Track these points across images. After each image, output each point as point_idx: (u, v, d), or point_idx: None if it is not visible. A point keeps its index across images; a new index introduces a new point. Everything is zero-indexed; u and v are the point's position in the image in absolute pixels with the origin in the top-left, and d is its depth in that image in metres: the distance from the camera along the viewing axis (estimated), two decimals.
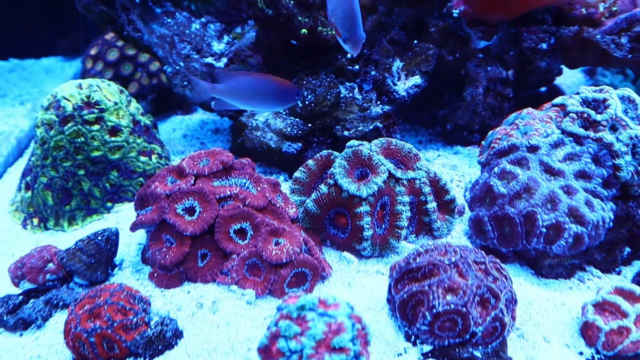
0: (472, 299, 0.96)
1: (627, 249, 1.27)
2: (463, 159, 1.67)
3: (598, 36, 1.53)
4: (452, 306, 0.95)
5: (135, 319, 0.96)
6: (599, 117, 1.20)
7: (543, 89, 1.93)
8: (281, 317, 0.87)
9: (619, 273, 1.26)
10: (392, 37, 1.60)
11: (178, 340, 0.99)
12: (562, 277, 1.23)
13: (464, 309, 0.94)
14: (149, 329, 0.97)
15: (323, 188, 1.21)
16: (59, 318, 1.08)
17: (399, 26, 1.64)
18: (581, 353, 1.03)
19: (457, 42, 1.64)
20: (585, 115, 1.22)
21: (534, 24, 1.66)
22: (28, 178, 1.52)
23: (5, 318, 1.07)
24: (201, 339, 0.98)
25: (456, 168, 1.61)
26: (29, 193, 1.50)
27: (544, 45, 1.64)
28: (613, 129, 1.20)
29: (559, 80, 1.95)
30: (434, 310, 0.95)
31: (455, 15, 1.54)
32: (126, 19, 1.52)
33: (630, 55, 1.50)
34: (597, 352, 1.02)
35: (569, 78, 2.34)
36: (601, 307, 1.05)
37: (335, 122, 1.52)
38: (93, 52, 2.02)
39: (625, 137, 1.18)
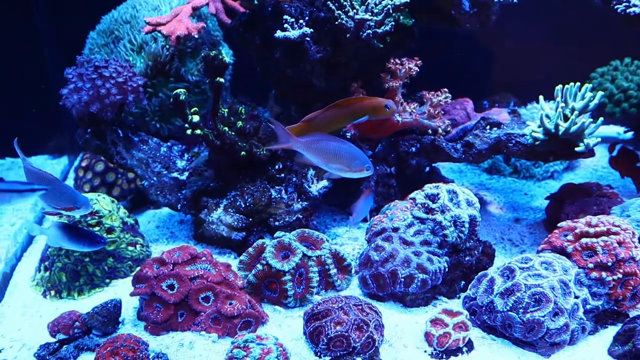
0: (351, 327, 1.58)
1: (463, 282, 1.92)
2: (363, 232, 2.33)
3: (444, 143, 2.26)
4: (339, 332, 1.57)
5: (141, 355, 1.54)
6: (434, 206, 1.89)
7: (427, 169, 2.62)
8: (234, 347, 1.49)
9: (458, 298, 1.90)
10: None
11: None
12: (422, 305, 1.84)
13: (346, 333, 1.56)
14: None
15: (259, 266, 1.84)
16: (84, 357, 1.63)
17: None
18: (425, 351, 1.64)
19: None
20: (426, 205, 1.90)
21: (407, 134, 2.37)
22: (46, 263, 2.06)
23: (47, 358, 1.63)
24: None
25: (357, 240, 2.27)
26: (47, 273, 2.04)
27: (413, 149, 2.35)
28: (442, 212, 1.88)
29: None
30: (328, 336, 1.56)
31: (348, 136, 2.24)
32: (115, 150, 2.14)
33: (463, 156, 2.23)
34: (434, 349, 1.64)
35: None
36: (435, 322, 1.66)
37: (268, 216, 2.15)
38: (84, 164, 2.59)
39: (449, 216, 1.86)
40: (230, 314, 1.70)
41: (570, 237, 1.79)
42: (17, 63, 3.01)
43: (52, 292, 2.03)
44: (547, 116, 1.99)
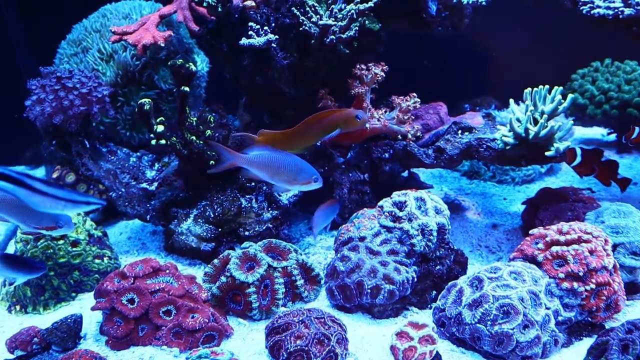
0: (312, 341, 1.53)
1: (434, 292, 1.87)
2: None
3: (415, 149, 2.22)
4: (299, 347, 1.52)
5: None
6: (401, 214, 1.85)
7: (405, 174, 2.58)
8: None
9: (430, 309, 1.84)
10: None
11: None
12: (392, 317, 1.79)
13: (307, 348, 1.52)
14: None
15: (223, 278, 1.80)
16: None
17: None
18: None
19: (325, 159, 2.29)
20: (393, 213, 1.86)
21: (380, 140, 2.33)
22: None
23: None
24: None
25: (330, 249, 2.23)
26: (12, 288, 2.01)
27: (386, 155, 2.31)
28: (409, 220, 1.84)
29: None
30: (288, 350, 1.52)
31: (318, 144, 2.20)
32: (80, 162, 2.11)
33: (435, 161, 2.19)
34: None
35: None
36: (400, 335, 1.61)
37: (238, 225, 2.11)
38: (55, 175, 2.56)
39: (416, 225, 1.82)
40: (192, 328, 1.66)
41: (540, 245, 1.74)
42: None
43: (17, 307, 2.00)
44: (518, 120, 1.95)
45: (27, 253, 1.97)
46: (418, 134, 2.20)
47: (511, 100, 2.05)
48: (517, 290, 1.59)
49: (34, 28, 3.05)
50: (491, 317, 1.56)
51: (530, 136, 1.90)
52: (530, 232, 1.81)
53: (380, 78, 2.06)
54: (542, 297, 1.61)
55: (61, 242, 1.99)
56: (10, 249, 2.41)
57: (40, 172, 3.10)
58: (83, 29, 2.55)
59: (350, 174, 2.31)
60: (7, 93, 2.92)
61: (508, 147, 1.99)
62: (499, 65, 3.37)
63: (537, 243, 1.76)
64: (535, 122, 1.92)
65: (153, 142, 1.99)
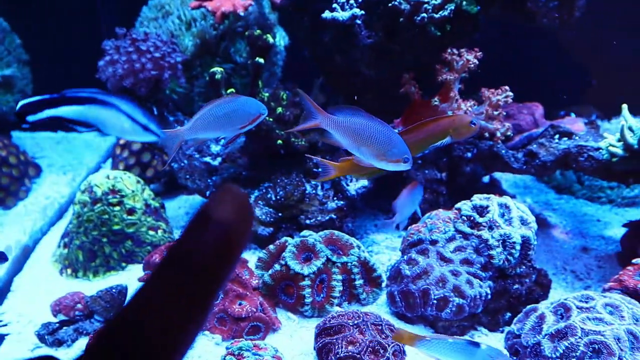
0: (365, 349, 1.37)
1: (508, 314, 1.67)
2: None
3: (503, 150, 1.99)
4: (350, 354, 1.36)
5: None
6: (480, 220, 1.64)
7: (486, 179, 2.36)
8: (227, 354, 1.31)
9: (501, 332, 1.64)
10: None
11: None
12: (456, 335, 1.61)
13: (358, 356, 1.36)
14: None
15: (277, 267, 1.66)
16: (83, 341, 1.55)
17: None
18: None
19: None
20: (472, 218, 1.65)
21: None
22: (66, 239, 2.00)
23: (46, 337, 1.55)
24: None
25: (396, 250, 2.04)
26: (66, 250, 1.97)
27: (469, 154, 2.09)
28: (490, 228, 1.63)
29: None
30: (338, 355, 1.36)
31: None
32: None
33: (524, 167, 1.95)
34: None
35: None
36: None
37: (300, 212, 1.97)
38: (122, 141, 2.53)
39: (497, 234, 1.61)
40: (237, 315, 1.53)
41: None
42: (72, 34, 2.98)
43: (69, 271, 1.95)
44: (630, 129, 1.69)
45: (84, 216, 1.92)
46: (508, 133, 1.96)
47: (624, 106, 1.78)
48: (612, 327, 1.34)
49: None
50: (578, 354, 1.33)
51: None
52: (635, 260, 1.55)
53: (472, 66, 1.84)
54: None
55: (117, 208, 1.92)
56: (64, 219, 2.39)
57: (110, 140, 3.09)
58: None
59: (427, 171, 2.11)
60: (90, 57, 2.90)
61: (615, 160, 1.73)
62: (608, 72, 3.02)
63: None
64: None
65: None
